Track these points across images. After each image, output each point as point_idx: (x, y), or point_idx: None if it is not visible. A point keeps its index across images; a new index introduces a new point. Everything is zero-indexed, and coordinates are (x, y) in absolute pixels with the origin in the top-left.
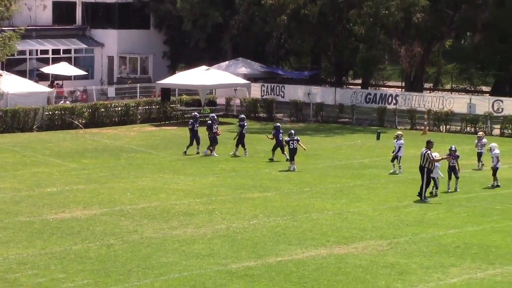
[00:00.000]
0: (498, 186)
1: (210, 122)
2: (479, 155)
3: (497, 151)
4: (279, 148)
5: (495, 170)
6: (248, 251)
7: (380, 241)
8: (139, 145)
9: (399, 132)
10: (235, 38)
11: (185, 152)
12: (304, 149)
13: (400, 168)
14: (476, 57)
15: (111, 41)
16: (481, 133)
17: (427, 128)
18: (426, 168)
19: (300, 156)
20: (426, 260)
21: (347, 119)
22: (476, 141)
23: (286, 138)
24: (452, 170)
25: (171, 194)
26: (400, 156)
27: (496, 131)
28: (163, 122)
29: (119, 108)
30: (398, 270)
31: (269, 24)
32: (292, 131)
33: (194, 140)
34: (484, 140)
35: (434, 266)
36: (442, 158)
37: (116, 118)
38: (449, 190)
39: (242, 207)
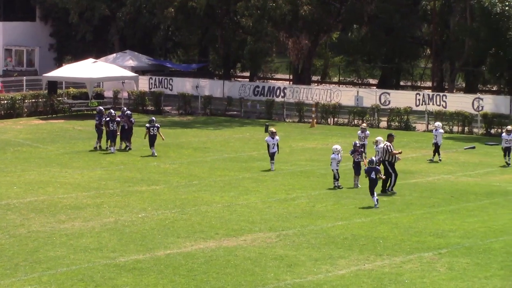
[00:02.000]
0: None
1: (108, 118)
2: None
3: (381, 145)
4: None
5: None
6: (136, 244)
7: (269, 233)
8: (26, 139)
9: (273, 129)
10: (122, 31)
11: (98, 147)
12: (163, 138)
13: (272, 165)
14: (363, 49)
15: None
16: (364, 124)
17: (315, 120)
18: (387, 161)
19: (188, 149)
20: (314, 252)
21: (235, 112)
22: (360, 132)
23: (147, 124)
24: (358, 166)
25: (58, 187)
26: (274, 152)
27: (383, 124)
28: (50, 116)
29: (5, 102)
30: (287, 262)
31: (156, 16)
32: (153, 118)
33: (101, 134)
34: (368, 132)
35: (323, 258)
36: (399, 153)
37: (2, 112)
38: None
39: (130, 200)
